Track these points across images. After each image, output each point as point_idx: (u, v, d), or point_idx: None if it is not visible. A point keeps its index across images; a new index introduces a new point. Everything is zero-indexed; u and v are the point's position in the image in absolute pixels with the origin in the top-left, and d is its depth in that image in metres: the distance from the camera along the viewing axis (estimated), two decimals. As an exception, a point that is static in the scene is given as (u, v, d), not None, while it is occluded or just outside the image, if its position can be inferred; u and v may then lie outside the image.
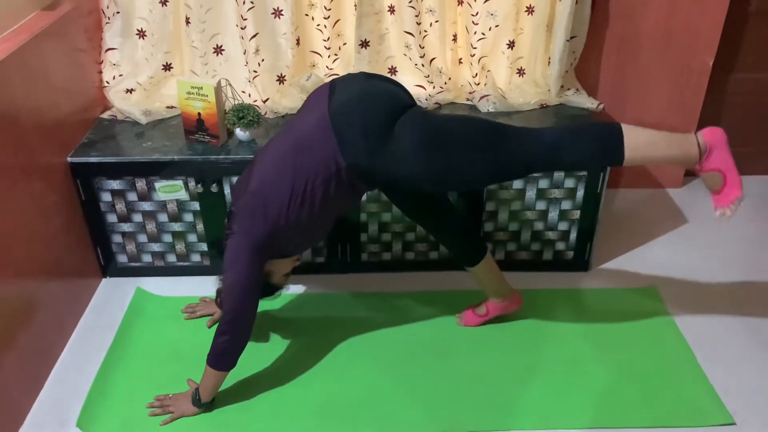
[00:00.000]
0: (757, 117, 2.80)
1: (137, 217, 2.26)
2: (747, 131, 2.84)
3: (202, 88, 2.13)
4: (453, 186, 1.80)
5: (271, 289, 1.96)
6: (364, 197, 2.23)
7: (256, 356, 2.04)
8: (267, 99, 2.44)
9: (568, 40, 2.35)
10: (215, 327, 2.12)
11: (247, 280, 1.75)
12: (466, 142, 1.64)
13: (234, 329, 1.78)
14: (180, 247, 2.33)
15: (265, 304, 2.16)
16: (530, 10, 2.38)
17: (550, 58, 2.42)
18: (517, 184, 2.21)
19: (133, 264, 2.37)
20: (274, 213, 1.70)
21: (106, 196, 2.22)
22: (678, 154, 1.63)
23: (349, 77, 1.77)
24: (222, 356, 1.80)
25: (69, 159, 2.15)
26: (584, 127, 1.69)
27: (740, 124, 2.82)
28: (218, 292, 2.10)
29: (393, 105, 1.66)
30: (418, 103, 2.39)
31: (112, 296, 2.31)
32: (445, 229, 2.00)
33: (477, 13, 2.37)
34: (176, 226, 2.29)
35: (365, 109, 1.63)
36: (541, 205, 2.26)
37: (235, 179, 2.19)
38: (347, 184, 1.69)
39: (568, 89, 2.48)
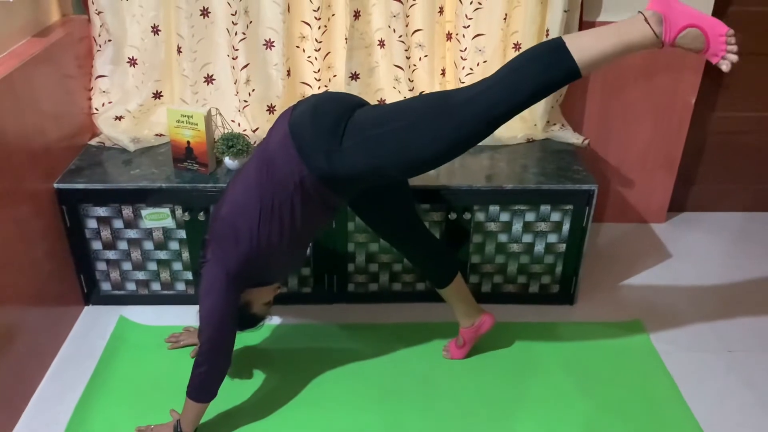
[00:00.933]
0: (737, 154, 2.86)
1: (122, 245, 2.24)
2: (728, 168, 2.90)
3: (192, 116, 2.13)
4: (419, 163, 1.63)
5: (253, 320, 1.93)
6: (351, 228, 2.24)
7: (240, 388, 2.02)
8: (257, 128, 2.45)
9: (554, 77, 2.40)
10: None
11: (222, 309, 1.73)
12: (415, 112, 1.57)
13: (212, 360, 1.75)
14: (165, 275, 2.31)
15: (249, 335, 2.14)
16: (517, 46, 2.43)
17: (536, 94, 2.46)
18: (504, 216, 2.23)
19: (116, 292, 2.34)
20: (245, 236, 1.69)
21: (92, 223, 2.20)
22: (632, 37, 1.48)
23: (310, 96, 1.78)
24: (201, 388, 1.77)
25: (55, 185, 2.14)
26: (525, 52, 1.56)
27: (721, 161, 2.88)
28: None
29: (343, 105, 1.66)
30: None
31: (95, 325, 2.27)
32: (416, 248, 1.99)
33: (465, 49, 2.41)
34: (162, 254, 2.27)
35: (317, 114, 1.63)
36: (527, 238, 2.28)
37: (222, 208, 2.18)
38: (314, 196, 1.67)
39: (554, 124, 2.52)
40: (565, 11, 2.29)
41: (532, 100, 1.52)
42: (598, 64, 1.50)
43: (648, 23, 1.47)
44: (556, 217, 2.24)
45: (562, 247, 2.29)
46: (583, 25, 2.43)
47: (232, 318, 1.76)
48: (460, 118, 1.54)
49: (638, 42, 1.49)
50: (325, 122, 1.62)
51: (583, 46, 1.48)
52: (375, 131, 1.59)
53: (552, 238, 2.28)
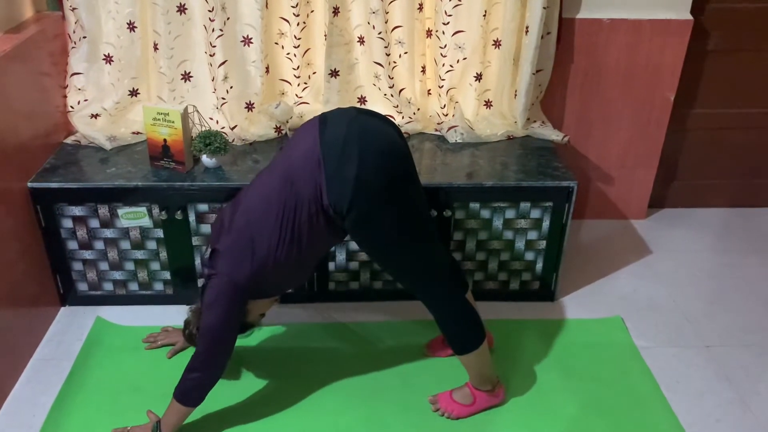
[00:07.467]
0: (715, 150, 2.88)
1: (99, 245, 2.21)
2: (706, 164, 2.91)
3: (168, 114, 2.11)
4: (387, 271, 2.11)
5: (244, 327, 1.90)
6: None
7: (221, 390, 1.97)
8: (235, 126, 2.42)
9: (534, 74, 2.40)
10: (177, 357, 2.08)
11: (227, 323, 1.71)
12: (419, 265, 1.75)
13: (207, 368, 1.73)
14: (142, 275, 2.28)
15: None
16: (497, 43, 2.43)
17: (516, 91, 2.46)
18: (484, 213, 2.23)
19: (93, 292, 2.31)
20: (263, 252, 1.66)
21: (67, 223, 2.17)
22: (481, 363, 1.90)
23: (341, 111, 1.71)
24: (191, 392, 1.75)
25: (29, 184, 2.10)
26: (468, 315, 1.85)
27: (700, 157, 2.90)
28: (186, 323, 1.99)
29: (395, 172, 1.63)
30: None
31: (71, 326, 2.24)
32: None
33: (445, 46, 2.40)
34: (139, 254, 2.24)
35: (363, 159, 1.57)
36: (507, 235, 2.28)
37: (200, 206, 2.16)
38: (331, 219, 1.65)
39: (535, 121, 2.52)
40: (544, 8, 2.29)
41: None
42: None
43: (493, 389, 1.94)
44: (536, 214, 2.24)
45: (543, 244, 2.29)
46: (563, 22, 2.43)
47: (234, 331, 1.75)
48: (423, 290, 1.82)
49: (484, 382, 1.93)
50: (368, 182, 1.58)
51: (472, 365, 1.89)
52: (392, 245, 1.69)
53: (532, 235, 2.28)
